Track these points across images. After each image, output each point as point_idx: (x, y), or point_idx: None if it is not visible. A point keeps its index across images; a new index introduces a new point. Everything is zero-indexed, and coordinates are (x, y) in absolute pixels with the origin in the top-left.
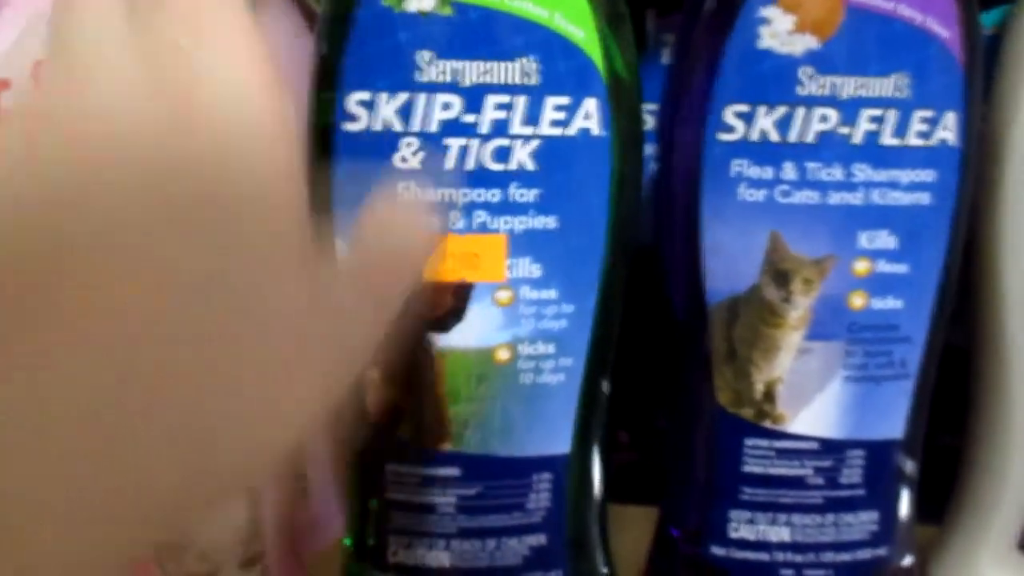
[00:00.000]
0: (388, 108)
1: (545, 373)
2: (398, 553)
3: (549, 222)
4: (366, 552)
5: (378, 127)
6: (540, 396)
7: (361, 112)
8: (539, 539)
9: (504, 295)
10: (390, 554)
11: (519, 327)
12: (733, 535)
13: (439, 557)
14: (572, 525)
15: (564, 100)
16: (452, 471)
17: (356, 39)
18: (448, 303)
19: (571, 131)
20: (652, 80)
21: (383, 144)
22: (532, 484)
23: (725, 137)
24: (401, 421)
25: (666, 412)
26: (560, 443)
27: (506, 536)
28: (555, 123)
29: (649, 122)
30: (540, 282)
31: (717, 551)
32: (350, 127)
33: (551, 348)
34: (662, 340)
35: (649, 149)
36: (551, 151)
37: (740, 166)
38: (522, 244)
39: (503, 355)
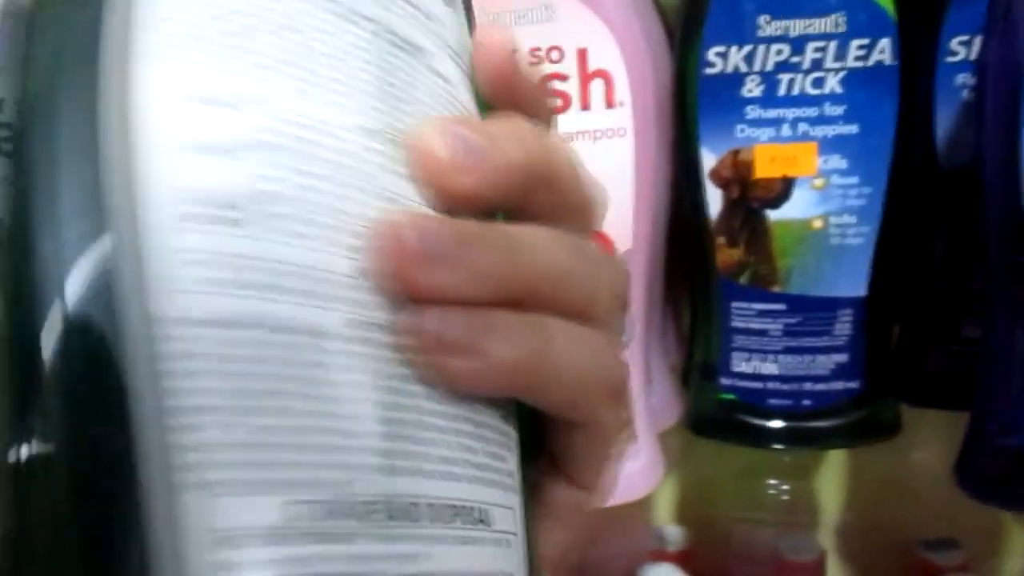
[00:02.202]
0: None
1: (849, 237)
2: (740, 364)
3: (852, 129)
4: (712, 368)
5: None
6: (848, 253)
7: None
8: (842, 357)
9: (819, 182)
10: (733, 365)
11: (830, 204)
12: None
13: (769, 367)
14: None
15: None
16: (781, 306)
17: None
18: (777, 189)
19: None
20: (965, 10)
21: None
22: (837, 317)
23: None
24: (744, 272)
25: (982, 318)
26: (860, 287)
27: (819, 354)
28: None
29: (961, 52)
30: (846, 172)
31: None
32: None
33: (853, 219)
34: (974, 256)
35: (962, 78)
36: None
37: None
38: (831, 146)
39: (818, 224)
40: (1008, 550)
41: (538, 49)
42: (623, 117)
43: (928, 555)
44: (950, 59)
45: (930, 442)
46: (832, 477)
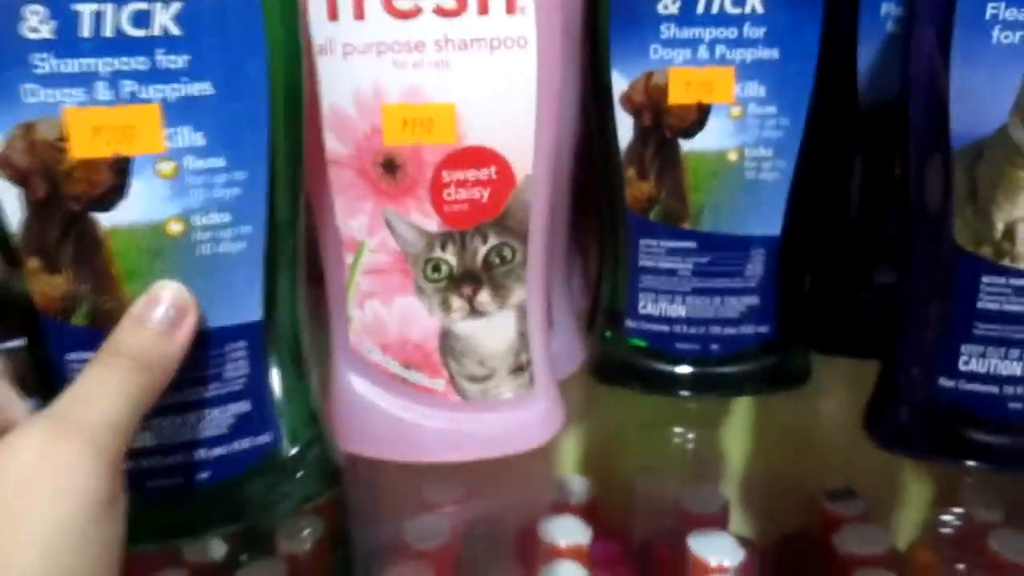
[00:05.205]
0: None
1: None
2: (647, 306)
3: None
4: (618, 312)
5: None
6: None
7: None
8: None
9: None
10: (640, 308)
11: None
12: (963, 368)
13: (677, 309)
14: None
15: None
16: (691, 244)
17: None
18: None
19: None
20: None
21: None
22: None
23: None
24: (654, 207)
25: (901, 257)
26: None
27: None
28: None
29: None
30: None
31: (946, 383)
32: None
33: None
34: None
35: (887, 8)
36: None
37: (996, 9)
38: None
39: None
40: (907, 500)
41: None
42: (525, 25)
43: (830, 505)
44: None
45: (835, 391)
46: (737, 425)
